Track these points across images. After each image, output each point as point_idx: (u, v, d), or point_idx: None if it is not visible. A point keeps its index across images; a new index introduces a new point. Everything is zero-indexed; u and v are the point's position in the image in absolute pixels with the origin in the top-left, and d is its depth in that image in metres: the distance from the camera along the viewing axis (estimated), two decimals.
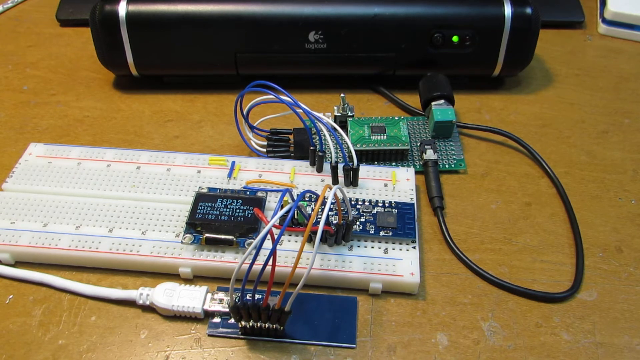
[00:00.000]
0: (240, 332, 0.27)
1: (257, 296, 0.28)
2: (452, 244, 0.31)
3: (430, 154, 0.35)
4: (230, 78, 0.41)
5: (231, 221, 0.30)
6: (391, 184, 0.33)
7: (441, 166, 0.35)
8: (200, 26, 0.38)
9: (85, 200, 0.32)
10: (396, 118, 0.36)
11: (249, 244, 0.29)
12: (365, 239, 0.30)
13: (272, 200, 0.32)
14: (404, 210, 0.31)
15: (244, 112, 0.34)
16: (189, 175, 0.33)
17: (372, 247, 0.30)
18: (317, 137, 0.34)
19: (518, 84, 0.42)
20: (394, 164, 0.35)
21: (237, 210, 0.30)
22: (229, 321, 0.28)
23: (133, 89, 0.42)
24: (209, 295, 0.28)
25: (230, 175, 0.33)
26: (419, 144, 0.36)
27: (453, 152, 0.36)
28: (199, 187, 0.32)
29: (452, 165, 0.35)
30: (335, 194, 0.25)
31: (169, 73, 0.41)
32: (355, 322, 0.28)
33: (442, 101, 0.37)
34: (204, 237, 0.29)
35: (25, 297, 0.29)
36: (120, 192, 0.32)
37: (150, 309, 0.28)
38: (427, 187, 0.34)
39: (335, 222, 0.30)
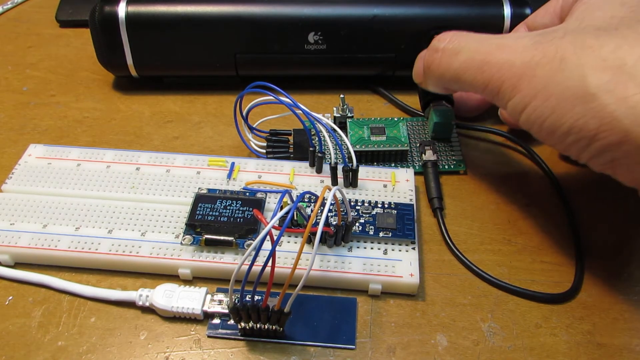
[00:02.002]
0: (239, 333, 0.27)
1: (256, 297, 0.28)
2: (451, 244, 0.31)
3: (429, 155, 0.35)
4: (229, 79, 0.41)
5: (231, 222, 0.30)
6: (390, 185, 0.33)
7: (441, 167, 0.35)
8: (199, 27, 0.38)
9: (84, 201, 0.32)
10: (395, 119, 0.36)
11: (249, 245, 0.29)
12: (365, 239, 0.30)
13: (271, 201, 0.32)
14: (403, 211, 0.31)
15: (244, 113, 0.34)
16: (188, 176, 0.33)
17: (372, 248, 0.30)
18: (317, 138, 0.34)
19: None
20: (393, 164, 0.35)
21: (237, 212, 0.30)
22: (229, 322, 0.28)
23: (133, 90, 0.42)
24: (209, 296, 0.28)
25: (229, 176, 0.33)
26: (418, 145, 0.36)
27: (452, 153, 0.36)
28: (199, 188, 0.32)
29: (452, 167, 0.35)
30: (334, 195, 0.25)
31: (168, 74, 0.41)
32: (354, 323, 0.28)
33: (441, 102, 0.37)
34: (204, 238, 0.29)
35: (24, 298, 0.29)
36: (119, 193, 0.32)
37: (149, 310, 0.28)
38: (426, 188, 0.34)
39: (334, 223, 0.30)
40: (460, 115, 0.37)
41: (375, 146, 0.35)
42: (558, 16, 0.30)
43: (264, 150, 0.35)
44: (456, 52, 0.29)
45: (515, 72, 0.26)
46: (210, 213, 0.30)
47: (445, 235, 0.32)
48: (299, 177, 0.33)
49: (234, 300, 0.25)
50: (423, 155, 0.35)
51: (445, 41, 0.30)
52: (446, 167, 0.35)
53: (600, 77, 0.23)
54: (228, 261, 0.29)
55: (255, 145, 0.35)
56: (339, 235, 0.29)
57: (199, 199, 0.31)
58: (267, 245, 0.24)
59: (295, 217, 0.29)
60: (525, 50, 0.26)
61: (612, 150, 0.23)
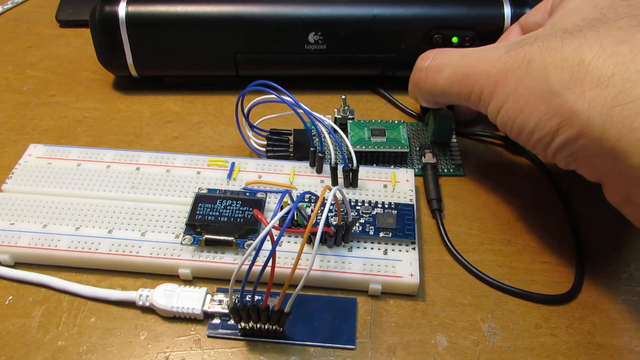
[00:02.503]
0: (239, 333, 0.27)
1: (256, 297, 0.28)
2: (450, 246, 0.31)
3: (429, 158, 0.35)
4: (230, 79, 0.41)
5: (231, 222, 0.30)
6: (391, 185, 0.33)
7: (440, 171, 0.35)
8: (200, 27, 0.38)
9: (84, 201, 0.32)
10: (396, 122, 0.36)
11: (249, 245, 0.29)
12: (365, 240, 0.30)
13: (271, 202, 0.32)
14: (403, 211, 0.31)
15: (245, 111, 0.34)
16: (188, 176, 0.33)
17: (372, 248, 0.30)
18: (317, 138, 0.34)
19: None
20: (392, 167, 0.35)
21: (237, 212, 0.30)
22: (229, 322, 0.28)
23: (133, 90, 0.42)
24: (209, 296, 0.28)
25: (229, 176, 0.33)
26: (418, 149, 0.36)
27: (452, 157, 0.36)
28: (199, 188, 0.32)
29: (451, 171, 0.35)
30: (334, 195, 0.25)
31: (168, 74, 0.41)
32: (354, 323, 0.28)
33: (442, 107, 0.37)
34: (204, 238, 0.29)
35: (24, 298, 0.29)
36: (119, 193, 0.32)
37: (149, 310, 0.28)
38: (425, 190, 0.34)
39: (334, 223, 0.30)
40: (458, 120, 0.38)
41: (375, 147, 0.35)
42: (549, 13, 0.31)
43: (264, 149, 0.35)
44: (440, 69, 0.31)
45: (491, 80, 0.27)
46: (211, 213, 0.30)
47: (444, 237, 0.31)
48: (299, 177, 0.33)
49: (234, 300, 0.25)
50: (423, 158, 0.35)
51: (428, 59, 0.32)
52: (445, 171, 0.35)
53: (561, 75, 0.24)
54: (228, 261, 0.29)
55: (256, 143, 0.35)
56: (339, 235, 0.29)
57: (199, 199, 0.31)
58: (267, 245, 0.24)
59: (295, 217, 0.29)
60: (500, 58, 0.27)
61: (571, 144, 0.25)
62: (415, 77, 0.33)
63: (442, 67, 0.31)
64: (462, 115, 0.38)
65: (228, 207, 0.30)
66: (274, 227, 0.24)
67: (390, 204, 0.31)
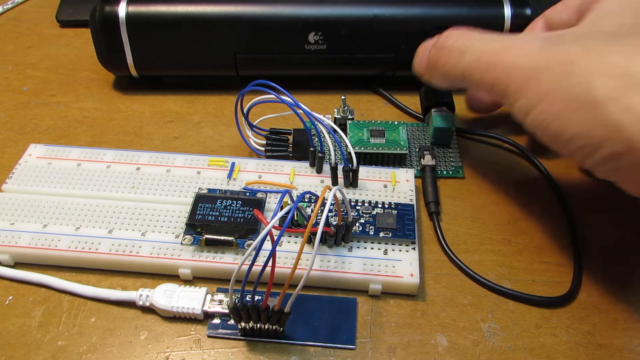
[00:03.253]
0: (240, 333, 0.27)
1: (256, 297, 0.28)
2: (448, 250, 0.31)
3: (428, 160, 0.35)
4: (230, 79, 0.41)
5: (231, 222, 0.30)
6: (391, 185, 0.33)
7: (439, 173, 0.35)
8: (200, 27, 0.38)
9: (85, 201, 0.32)
10: (396, 123, 0.36)
11: (249, 245, 0.29)
12: (365, 240, 0.30)
13: (271, 202, 0.32)
14: (403, 212, 0.31)
15: (244, 111, 0.34)
16: (188, 176, 0.33)
17: (372, 248, 0.30)
18: (317, 138, 0.34)
19: None
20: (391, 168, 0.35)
21: (237, 212, 0.30)
22: (229, 322, 0.28)
23: (133, 90, 0.42)
24: (209, 296, 0.28)
25: (230, 176, 0.33)
26: (417, 150, 0.36)
27: (452, 159, 0.36)
28: (199, 188, 0.32)
29: (450, 172, 0.35)
30: (335, 195, 0.25)
31: (168, 74, 0.41)
32: (354, 323, 0.28)
33: (442, 108, 0.37)
34: (204, 238, 0.29)
35: (24, 298, 0.29)
36: (120, 193, 0.32)
37: (150, 310, 0.28)
38: (423, 192, 0.34)
39: (334, 223, 0.30)
40: (475, 112, 0.37)
41: (374, 148, 0.34)
42: (576, 13, 0.30)
43: (264, 149, 0.35)
44: (462, 52, 0.29)
45: (521, 75, 0.26)
46: (211, 213, 0.30)
47: (442, 240, 0.31)
48: (299, 177, 0.33)
49: (234, 300, 0.25)
50: (422, 159, 0.35)
51: (452, 39, 0.30)
52: (444, 172, 0.35)
53: (606, 84, 0.23)
54: (228, 261, 0.29)
55: (255, 143, 0.35)
56: (339, 235, 0.29)
57: (199, 199, 0.31)
58: (268, 245, 0.24)
59: (295, 217, 0.29)
60: (532, 53, 0.25)
61: (617, 159, 0.23)
62: (435, 55, 0.31)
63: (465, 49, 0.29)
64: (478, 109, 0.37)
65: (228, 207, 0.30)
66: (274, 227, 0.24)
67: (390, 204, 0.31)
